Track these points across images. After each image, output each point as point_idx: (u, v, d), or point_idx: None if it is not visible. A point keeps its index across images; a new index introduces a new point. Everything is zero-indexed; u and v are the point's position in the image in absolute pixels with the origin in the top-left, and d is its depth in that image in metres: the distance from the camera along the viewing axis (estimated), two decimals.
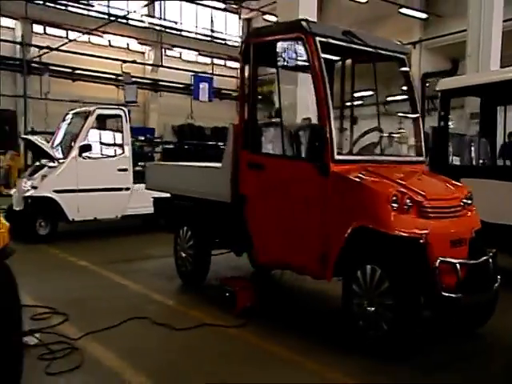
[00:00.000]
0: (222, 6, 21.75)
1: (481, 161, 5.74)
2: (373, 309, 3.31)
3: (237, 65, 24.54)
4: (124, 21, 19.86)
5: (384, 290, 3.26)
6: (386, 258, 3.29)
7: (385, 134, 4.21)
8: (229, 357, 3.38)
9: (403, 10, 16.00)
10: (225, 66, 23.91)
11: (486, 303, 3.67)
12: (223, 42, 23.64)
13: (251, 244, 4.36)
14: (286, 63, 4.11)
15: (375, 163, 3.82)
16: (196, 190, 5.00)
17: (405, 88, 4.33)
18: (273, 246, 4.15)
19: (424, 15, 16.41)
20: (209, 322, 3.92)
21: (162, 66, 21.06)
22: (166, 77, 21.21)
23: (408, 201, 3.32)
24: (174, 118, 21.46)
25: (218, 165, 4.69)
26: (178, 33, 22.00)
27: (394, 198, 3.29)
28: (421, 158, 4.17)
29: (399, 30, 16.77)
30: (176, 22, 22.54)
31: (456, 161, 5.62)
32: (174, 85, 21.10)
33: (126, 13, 19.83)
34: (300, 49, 3.90)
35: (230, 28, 24.49)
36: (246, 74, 4.40)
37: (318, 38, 3.76)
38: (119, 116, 8.04)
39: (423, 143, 4.17)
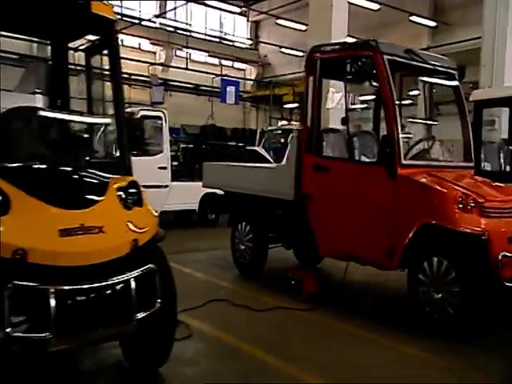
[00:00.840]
0: (230, 8, 22.12)
1: (508, 167, 6.25)
2: (439, 295, 3.81)
3: (244, 66, 25.05)
4: (136, 21, 20.21)
5: (450, 280, 3.75)
6: (453, 252, 3.79)
7: (437, 142, 4.70)
8: (311, 334, 3.86)
9: (413, 18, 16.55)
10: (232, 67, 24.35)
11: None
12: (231, 43, 24.07)
13: (312, 238, 4.83)
14: (352, 77, 4.57)
15: (433, 168, 4.32)
16: (254, 188, 5.46)
17: (456, 99, 4.84)
18: (336, 239, 4.62)
19: (433, 23, 16.99)
20: (280, 305, 4.39)
21: (173, 66, 21.45)
22: (176, 77, 21.60)
23: (471, 201, 3.81)
24: (183, 118, 21.86)
25: (275, 165, 5.17)
26: (188, 34, 22.37)
27: (460, 199, 3.79)
28: (471, 164, 4.68)
29: (408, 37, 17.31)
30: (186, 23, 22.94)
31: (487, 166, 6.13)
32: (183, 85, 21.50)
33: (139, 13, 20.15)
34: (367, 65, 4.36)
35: (239, 30, 24.93)
36: (310, 85, 4.87)
37: (385, 56, 4.26)
38: (159, 117, 8.48)
39: (472, 150, 4.68)
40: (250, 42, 25.01)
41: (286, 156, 5.14)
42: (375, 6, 16.20)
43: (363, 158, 4.57)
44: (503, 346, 3.77)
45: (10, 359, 2.38)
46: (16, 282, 2.27)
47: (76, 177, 2.93)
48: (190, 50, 22.50)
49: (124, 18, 19.66)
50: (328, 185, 4.67)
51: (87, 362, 3.21)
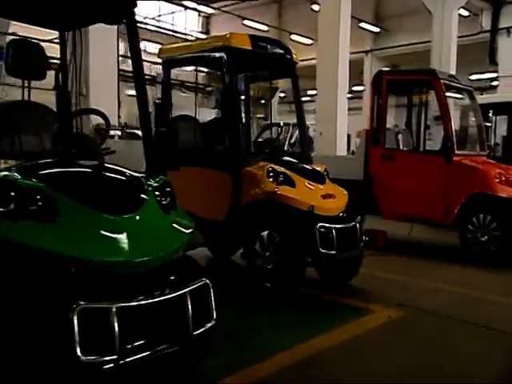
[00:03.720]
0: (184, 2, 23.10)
1: None
2: (485, 238, 5.90)
3: None
4: None
5: (492, 228, 5.85)
6: (494, 209, 5.88)
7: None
8: (399, 267, 5.72)
9: (362, 25, 18.95)
10: None
11: None
12: (184, 36, 25.04)
13: (377, 206, 6.70)
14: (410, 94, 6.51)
15: (471, 155, 6.38)
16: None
17: (471, 107, 6.97)
18: (398, 206, 6.52)
19: (377, 29, 19.54)
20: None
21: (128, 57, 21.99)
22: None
23: (503, 177, 5.93)
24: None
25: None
26: (144, 26, 22.99)
27: (497, 175, 5.89)
28: (485, 153, 6.83)
29: (353, 39, 19.72)
30: (139, 15, 23.52)
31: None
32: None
33: None
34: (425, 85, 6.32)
35: (190, 24, 25.96)
36: (376, 98, 6.71)
37: (441, 81, 6.22)
38: None
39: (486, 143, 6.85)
40: (202, 36, 26.11)
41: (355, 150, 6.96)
42: None
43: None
44: None
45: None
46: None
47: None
48: (145, 42, 23.16)
49: None
50: (393, 169, 6.57)
51: None
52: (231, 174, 4.50)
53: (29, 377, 2.17)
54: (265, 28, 20.36)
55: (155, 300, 2.37)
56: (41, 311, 2.18)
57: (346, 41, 10.35)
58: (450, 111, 6.13)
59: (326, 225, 4.22)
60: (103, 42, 7.70)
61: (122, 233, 2.47)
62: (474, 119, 6.93)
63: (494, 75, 16.65)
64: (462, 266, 5.86)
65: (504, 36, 16.31)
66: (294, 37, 20.06)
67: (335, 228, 4.25)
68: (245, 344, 3.43)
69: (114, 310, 2.20)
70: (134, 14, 3.28)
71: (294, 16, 21.26)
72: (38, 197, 2.41)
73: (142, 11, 23.66)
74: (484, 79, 19.05)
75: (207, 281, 2.63)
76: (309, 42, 19.68)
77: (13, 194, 2.38)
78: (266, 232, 4.29)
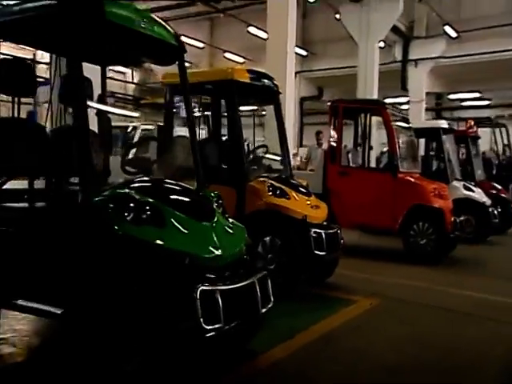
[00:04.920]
0: None
1: None
2: (424, 241, 7.19)
3: (125, 69, 25.95)
4: None
5: (429, 233, 7.16)
6: (431, 218, 7.19)
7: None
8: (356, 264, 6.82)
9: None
10: (112, 70, 25.16)
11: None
12: None
13: (334, 216, 7.78)
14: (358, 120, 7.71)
15: (409, 173, 7.68)
16: None
17: (407, 132, 8.32)
18: (352, 216, 7.65)
19: (305, 52, 21.11)
20: None
21: None
22: None
23: (437, 191, 7.28)
24: None
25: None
26: None
27: (433, 189, 7.23)
28: (419, 170, 8.19)
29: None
30: None
31: None
32: None
33: None
34: (375, 113, 7.55)
35: None
36: (333, 122, 7.81)
37: (386, 111, 7.48)
38: None
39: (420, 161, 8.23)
40: None
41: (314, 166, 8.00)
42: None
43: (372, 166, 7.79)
44: (452, 263, 7.35)
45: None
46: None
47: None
48: None
49: None
50: (347, 183, 7.69)
51: None
52: (236, 189, 5.26)
53: (166, 341, 2.85)
54: (200, 45, 21.08)
55: (240, 285, 3.12)
56: (171, 291, 2.85)
57: (291, 66, 11.46)
58: (395, 135, 7.39)
59: (318, 230, 5.15)
60: None
61: (212, 235, 3.25)
62: (410, 142, 8.29)
63: (405, 99, 18.80)
64: (406, 264, 7.11)
65: (412, 66, 18.57)
66: (227, 55, 21.01)
67: (324, 233, 5.19)
68: (268, 328, 4.20)
69: (219, 291, 2.91)
70: (183, 57, 3.98)
71: (226, 34, 22.21)
72: (148, 207, 3.09)
73: None
74: (397, 103, 21.40)
75: (265, 272, 3.43)
76: (241, 60, 20.79)
77: (132, 205, 3.04)
78: (268, 237, 5.12)
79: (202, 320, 2.81)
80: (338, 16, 16.59)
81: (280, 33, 11.32)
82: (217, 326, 2.87)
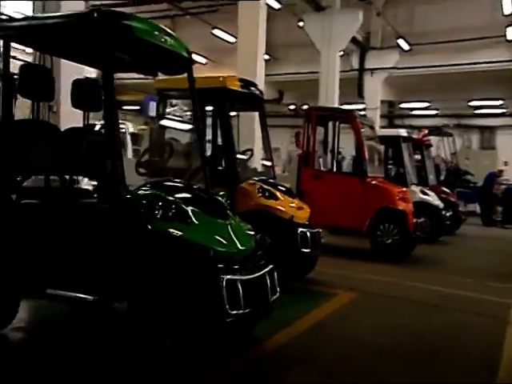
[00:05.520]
0: None
1: None
2: (389, 241, 7.82)
3: None
4: None
5: (394, 234, 7.81)
6: (396, 219, 7.83)
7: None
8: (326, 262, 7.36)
9: None
10: None
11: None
12: None
13: None
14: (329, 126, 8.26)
15: (376, 177, 8.30)
16: None
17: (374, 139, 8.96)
18: (324, 217, 8.17)
19: (267, 56, 21.60)
20: None
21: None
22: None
23: (401, 195, 7.93)
24: None
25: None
26: None
27: (397, 193, 7.87)
28: (383, 175, 8.84)
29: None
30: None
31: None
32: None
33: None
34: (345, 121, 8.12)
35: None
36: (307, 128, 8.31)
37: (356, 120, 8.06)
38: None
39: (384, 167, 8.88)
40: None
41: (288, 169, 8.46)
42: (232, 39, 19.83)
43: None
44: (414, 261, 8.03)
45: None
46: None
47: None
48: None
49: None
50: (320, 185, 8.21)
51: None
52: (228, 190, 5.59)
53: (195, 324, 3.21)
54: None
55: (254, 276, 3.53)
56: (199, 280, 3.22)
57: (261, 71, 11.90)
58: (364, 143, 7.98)
59: (303, 230, 5.60)
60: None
61: (229, 231, 3.68)
62: (375, 148, 8.93)
63: (362, 106, 19.73)
64: (374, 262, 7.72)
65: (368, 75, 19.53)
66: None
67: (309, 232, 5.64)
68: None
69: (239, 280, 3.31)
70: (192, 67, 4.30)
71: (188, 34, 22.31)
72: (173, 206, 3.42)
73: None
74: (355, 109, 22.35)
75: (273, 265, 3.82)
76: (204, 61, 20.99)
77: (160, 203, 3.35)
78: (258, 236, 5.49)
79: (227, 306, 3.19)
80: (301, 24, 17.20)
81: (250, 39, 11.78)
82: (239, 311, 3.26)
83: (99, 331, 4.08)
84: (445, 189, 12.02)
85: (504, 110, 21.14)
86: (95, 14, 3.38)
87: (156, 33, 3.75)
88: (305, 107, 23.14)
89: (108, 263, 3.33)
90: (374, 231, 7.94)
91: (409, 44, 18.58)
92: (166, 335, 3.19)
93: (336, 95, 15.75)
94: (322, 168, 8.50)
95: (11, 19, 4.03)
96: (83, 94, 3.89)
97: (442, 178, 13.91)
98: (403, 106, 22.93)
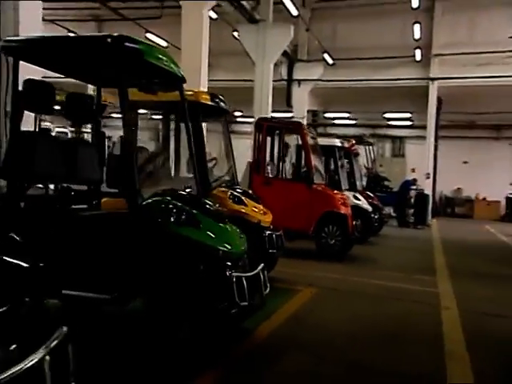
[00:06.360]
0: None
1: None
2: (332, 242, 8.65)
3: None
4: None
5: (337, 235, 8.65)
6: (338, 222, 8.69)
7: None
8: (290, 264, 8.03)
9: None
10: None
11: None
12: None
13: None
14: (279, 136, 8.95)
15: (321, 184, 9.10)
16: None
17: (316, 148, 9.78)
18: (275, 221, 8.79)
19: None
20: None
21: None
22: None
23: (342, 200, 8.81)
24: None
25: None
26: None
27: (339, 198, 8.74)
28: (324, 182, 9.67)
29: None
30: None
31: None
32: None
33: None
34: (294, 132, 8.84)
35: None
36: (257, 138, 8.91)
37: (304, 131, 8.82)
38: None
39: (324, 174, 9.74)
40: None
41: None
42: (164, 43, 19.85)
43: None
44: (352, 260, 8.94)
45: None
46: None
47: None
48: None
49: None
50: (270, 190, 8.84)
51: None
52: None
53: (208, 315, 3.71)
54: None
55: (254, 273, 4.20)
56: (211, 277, 3.72)
57: (205, 79, 12.30)
58: (310, 152, 8.76)
59: (269, 232, 6.19)
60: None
61: (230, 234, 4.23)
62: (318, 157, 9.76)
63: (290, 115, 20.78)
64: (320, 261, 8.51)
65: (296, 86, 20.66)
66: None
67: (275, 235, 6.24)
68: None
69: (244, 277, 3.90)
70: (183, 86, 4.72)
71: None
72: (185, 212, 3.85)
73: None
74: (284, 117, 23.43)
75: (263, 264, 4.45)
76: None
77: (174, 210, 3.77)
78: None
79: (237, 299, 3.69)
80: (236, 34, 17.83)
81: (194, 50, 12.13)
82: (245, 303, 3.79)
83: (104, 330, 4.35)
84: (369, 193, 13.24)
85: (412, 123, 23.38)
86: (109, 40, 3.73)
87: (160, 56, 4.14)
88: (237, 113, 23.90)
89: (127, 263, 3.68)
90: (319, 233, 8.75)
91: (332, 58, 19.98)
92: (184, 325, 3.62)
93: (269, 104, 16.55)
94: (272, 175, 9.17)
95: (21, 39, 4.18)
96: (35, 95, 4.00)
97: (364, 183, 15.24)
98: (327, 115, 24.40)
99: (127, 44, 3.80)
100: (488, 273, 8.73)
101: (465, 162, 22.73)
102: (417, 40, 19.00)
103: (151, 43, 4.53)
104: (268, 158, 9.27)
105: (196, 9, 11.99)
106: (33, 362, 1.70)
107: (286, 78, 20.58)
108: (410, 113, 22.92)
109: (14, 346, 1.76)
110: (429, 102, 20.05)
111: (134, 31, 19.75)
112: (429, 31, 20.01)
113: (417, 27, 18.14)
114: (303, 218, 8.73)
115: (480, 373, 3.97)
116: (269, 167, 9.35)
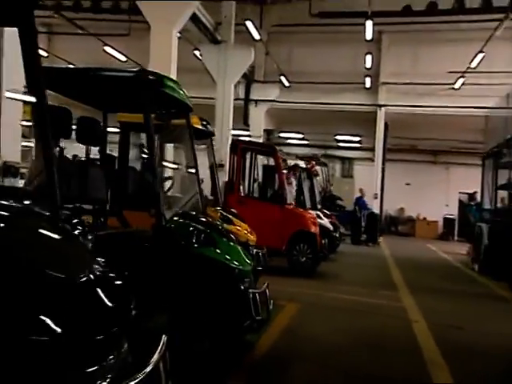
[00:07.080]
0: None
1: None
2: (303, 259, 9.12)
3: None
4: None
5: (307, 252, 9.14)
6: (309, 240, 9.17)
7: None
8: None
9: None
10: None
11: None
12: None
13: None
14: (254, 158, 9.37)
15: (289, 204, 9.58)
16: None
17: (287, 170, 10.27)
18: None
19: None
20: None
21: None
22: None
23: (312, 219, 9.32)
24: None
25: None
26: None
27: (309, 218, 9.24)
28: (294, 202, 10.16)
29: None
30: None
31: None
32: None
33: None
34: (268, 154, 9.28)
35: None
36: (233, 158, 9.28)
37: (278, 154, 9.29)
38: None
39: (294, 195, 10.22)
40: None
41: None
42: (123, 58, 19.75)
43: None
44: (321, 276, 9.43)
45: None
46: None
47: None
48: None
49: None
50: (244, 209, 9.19)
51: None
52: None
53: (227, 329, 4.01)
54: (44, 54, 20.19)
55: (262, 289, 4.59)
56: (230, 293, 4.07)
57: None
58: (283, 174, 9.24)
59: (257, 250, 6.54)
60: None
61: (240, 252, 4.58)
62: (288, 179, 10.27)
63: (247, 133, 21.28)
64: (292, 277, 8.94)
65: (253, 106, 21.25)
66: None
67: (260, 252, 6.60)
68: None
69: (257, 292, 4.29)
70: (189, 114, 5.04)
71: (66, 47, 21.69)
72: (203, 233, 4.17)
73: None
74: (240, 135, 23.86)
75: (268, 283, 4.79)
76: None
77: (196, 232, 4.07)
78: None
79: (254, 314, 4.03)
80: (197, 52, 18.18)
81: (163, 67, 12.33)
82: (259, 317, 4.14)
83: None
84: (327, 212, 13.92)
85: (361, 145, 24.65)
86: (141, 76, 4.07)
87: (175, 87, 4.46)
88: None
89: (150, 282, 3.89)
90: (291, 251, 9.20)
91: (288, 81, 20.79)
92: (203, 339, 3.89)
93: (230, 122, 16.96)
94: (246, 194, 9.55)
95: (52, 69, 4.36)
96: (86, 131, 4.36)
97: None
98: (282, 135, 25.19)
99: (155, 80, 4.12)
100: (442, 288, 9.53)
101: (407, 184, 24.23)
102: (368, 69, 20.23)
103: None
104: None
105: (166, 29, 12.28)
106: (151, 366, 1.84)
107: (243, 97, 21.15)
108: (359, 136, 24.19)
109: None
110: (377, 126, 21.34)
111: (91, 44, 19.63)
112: (377, 60, 21.36)
113: (368, 57, 19.36)
114: (276, 236, 9.15)
115: (460, 377, 4.53)
116: (241, 187, 9.74)
